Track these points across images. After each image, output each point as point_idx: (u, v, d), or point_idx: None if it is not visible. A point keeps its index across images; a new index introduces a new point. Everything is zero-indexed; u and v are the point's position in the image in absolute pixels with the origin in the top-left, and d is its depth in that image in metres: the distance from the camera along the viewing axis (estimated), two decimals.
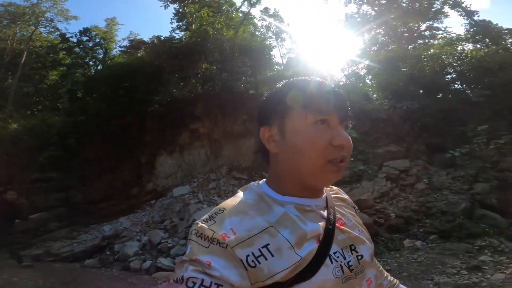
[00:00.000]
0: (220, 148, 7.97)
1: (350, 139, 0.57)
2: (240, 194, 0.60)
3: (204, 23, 8.15)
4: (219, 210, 0.55)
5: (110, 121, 7.81)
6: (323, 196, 0.62)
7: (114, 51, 22.95)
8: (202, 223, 0.53)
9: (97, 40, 21.97)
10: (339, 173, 0.56)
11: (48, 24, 21.30)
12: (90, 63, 22.17)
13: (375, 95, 11.28)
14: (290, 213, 0.56)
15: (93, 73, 15.68)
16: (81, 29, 21.12)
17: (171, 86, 7.81)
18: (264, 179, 0.63)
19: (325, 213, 0.59)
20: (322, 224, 0.57)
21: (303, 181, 0.57)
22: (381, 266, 0.78)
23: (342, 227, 0.60)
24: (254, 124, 9.23)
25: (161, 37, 10.96)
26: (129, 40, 23.30)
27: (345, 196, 0.71)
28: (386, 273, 0.79)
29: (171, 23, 18.07)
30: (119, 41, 23.43)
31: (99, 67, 21.31)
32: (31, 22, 20.78)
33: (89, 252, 4.74)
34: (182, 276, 0.47)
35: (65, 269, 4.36)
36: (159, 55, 8.09)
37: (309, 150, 0.55)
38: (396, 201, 5.85)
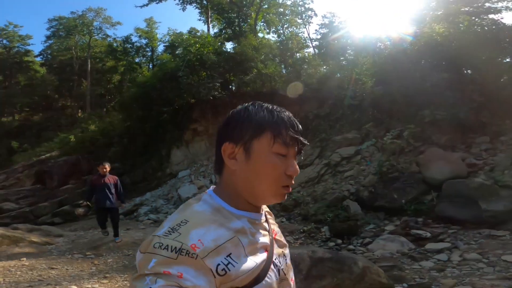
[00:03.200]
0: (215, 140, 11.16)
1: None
2: (196, 206, 0.64)
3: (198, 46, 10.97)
4: (181, 222, 0.58)
5: (145, 125, 11.69)
6: (263, 211, 0.71)
7: (159, 48, 27.17)
8: (165, 236, 0.55)
9: (143, 41, 26.48)
10: (285, 196, 0.65)
11: (99, 32, 26.44)
12: (143, 59, 26.79)
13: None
14: (245, 226, 0.63)
15: (146, 73, 19.46)
16: (123, 37, 24.46)
17: (176, 96, 11.05)
18: (212, 189, 0.68)
19: (267, 226, 0.70)
20: (266, 234, 0.67)
21: (254, 200, 0.65)
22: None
23: (276, 237, 0.72)
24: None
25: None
26: (169, 36, 27.27)
27: (267, 209, 0.80)
28: None
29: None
30: (161, 38, 27.47)
31: (150, 66, 26.11)
32: (85, 31, 25.86)
33: (125, 213, 8.75)
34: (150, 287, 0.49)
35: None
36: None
37: (268, 175, 0.62)
38: (311, 187, 7.84)
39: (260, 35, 18.80)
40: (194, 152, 10.96)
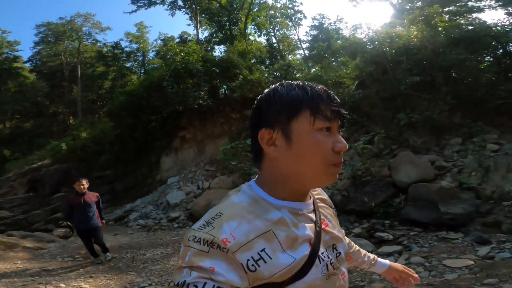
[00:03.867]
0: (204, 146, 11.60)
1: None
2: (233, 197, 0.63)
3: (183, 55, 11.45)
4: (216, 215, 0.58)
5: (135, 133, 12.08)
6: (311, 199, 0.68)
7: (151, 53, 27.49)
8: (199, 229, 0.56)
9: (134, 45, 26.77)
10: (337, 175, 0.62)
11: (88, 37, 26.69)
12: (134, 64, 27.12)
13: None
14: (286, 217, 0.60)
15: (135, 80, 19.92)
16: (113, 43, 24.84)
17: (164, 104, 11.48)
18: (253, 181, 0.66)
19: (313, 216, 0.66)
20: (311, 226, 0.64)
21: (304, 185, 0.63)
22: (357, 246, 0.94)
23: (326, 228, 0.68)
24: (230, 125, 12.43)
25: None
26: (161, 40, 27.37)
27: (325, 196, 0.77)
28: (364, 251, 0.96)
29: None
30: (152, 42, 27.73)
31: (141, 71, 26.47)
32: (74, 37, 26.09)
33: (115, 219, 9.15)
34: (185, 281, 0.50)
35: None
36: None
37: (314, 155, 0.59)
38: None
39: (251, 38, 19.39)
40: (183, 159, 11.39)
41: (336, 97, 0.64)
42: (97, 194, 5.06)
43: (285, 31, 21.48)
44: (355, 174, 7.29)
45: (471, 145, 8.13)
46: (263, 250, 0.55)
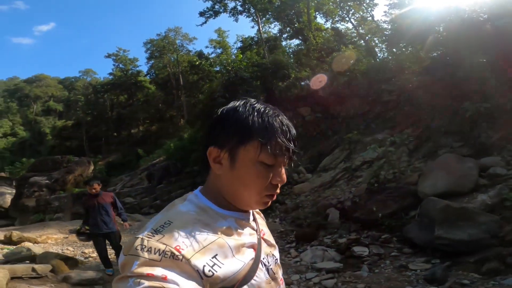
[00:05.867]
0: None
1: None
2: (180, 206, 0.66)
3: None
4: (165, 223, 0.60)
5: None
6: (251, 211, 0.74)
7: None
8: (148, 238, 0.57)
9: (218, 50, 29.69)
10: (267, 204, 0.68)
11: (182, 49, 31.50)
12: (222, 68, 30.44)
13: None
14: (232, 226, 0.66)
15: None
16: (196, 53, 28.34)
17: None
18: (199, 190, 0.71)
19: (254, 225, 0.73)
20: (253, 234, 0.71)
21: (237, 205, 0.68)
22: None
23: (264, 236, 0.76)
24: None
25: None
26: (240, 41, 28.50)
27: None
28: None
29: None
30: (232, 45, 29.78)
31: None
32: (172, 49, 31.09)
33: None
34: None
35: None
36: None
37: (251, 184, 0.64)
38: (321, 192, 8.20)
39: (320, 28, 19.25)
40: None
41: (292, 130, 0.66)
42: (112, 194, 4.93)
43: (361, 14, 20.03)
44: (376, 179, 6.67)
45: None
46: (215, 256, 0.59)
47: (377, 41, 18.28)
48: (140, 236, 0.58)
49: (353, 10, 19.78)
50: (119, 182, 22.39)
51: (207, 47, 30.08)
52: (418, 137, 8.10)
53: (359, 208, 6.31)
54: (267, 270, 0.70)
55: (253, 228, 0.73)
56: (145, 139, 33.70)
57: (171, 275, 0.53)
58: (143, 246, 0.55)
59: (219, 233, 0.63)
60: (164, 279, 0.52)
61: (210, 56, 27.72)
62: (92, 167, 22.29)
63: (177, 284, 0.52)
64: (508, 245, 4.26)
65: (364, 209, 6.14)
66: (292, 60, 12.83)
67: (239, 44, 26.57)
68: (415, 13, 13.46)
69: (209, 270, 0.57)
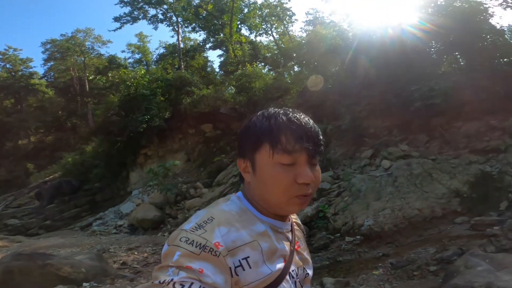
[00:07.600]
0: (165, 161, 13.92)
1: (318, 174, 0.70)
2: (223, 205, 0.72)
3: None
4: (208, 219, 0.65)
5: (112, 151, 14.75)
6: (289, 221, 0.78)
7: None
8: (192, 231, 0.62)
9: (137, 55, 28.84)
10: (304, 205, 0.69)
11: (92, 51, 29.39)
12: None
13: None
14: (268, 231, 0.69)
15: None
16: (107, 57, 27.30)
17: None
18: (241, 193, 0.76)
19: (290, 236, 0.76)
20: (287, 244, 0.73)
21: (270, 210, 0.71)
22: None
23: (299, 249, 0.78)
24: (186, 140, 14.28)
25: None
26: (163, 48, 28.03)
27: (299, 222, 0.89)
28: None
29: None
30: (153, 51, 29.29)
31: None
32: (78, 52, 28.71)
33: (88, 225, 11.81)
34: (172, 279, 0.55)
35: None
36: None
37: (273, 187, 0.67)
38: None
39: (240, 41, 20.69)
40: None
41: (306, 126, 0.68)
42: None
43: (282, 28, 22.19)
44: None
45: (375, 159, 8.07)
46: (247, 258, 0.63)
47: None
48: (185, 228, 0.64)
49: (275, 25, 22.00)
50: (1, 202, 19.78)
51: (123, 51, 28.56)
52: None
53: None
54: (294, 283, 0.72)
55: (287, 239, 0.76)
56: (38, 152, 29.88)
57: (207, 269, 0.58)
58: (187, 239, 0.61)
59: (255, 236, 0.67)
60: (200, 272, 0.57)
61: (127, 61, 26.98)
62: None
63: (212, 279, 0.57)
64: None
65: None
66: (195, 78, 13.90)
67: (161, 50, 26.42)
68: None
69: (235, 271, 0.62)
